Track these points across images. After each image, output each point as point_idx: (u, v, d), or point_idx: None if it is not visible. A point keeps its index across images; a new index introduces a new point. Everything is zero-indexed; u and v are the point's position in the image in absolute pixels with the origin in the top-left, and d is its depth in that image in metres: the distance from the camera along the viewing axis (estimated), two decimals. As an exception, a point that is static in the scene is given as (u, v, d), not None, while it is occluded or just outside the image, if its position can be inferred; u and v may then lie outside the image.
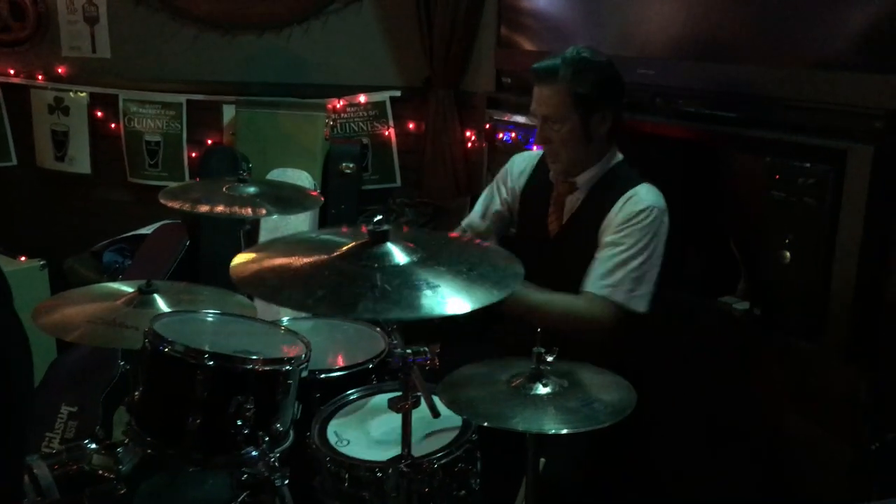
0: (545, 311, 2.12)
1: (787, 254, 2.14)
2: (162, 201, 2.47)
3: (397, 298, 1.41)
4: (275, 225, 3.57)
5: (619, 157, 2.31)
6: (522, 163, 2.52)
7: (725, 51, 2.39)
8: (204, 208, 2.44)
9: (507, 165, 2.56)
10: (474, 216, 2.60)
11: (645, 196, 2.18)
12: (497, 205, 2.55)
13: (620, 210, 2.18)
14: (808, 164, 2.05)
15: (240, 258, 1.64)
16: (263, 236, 3.58)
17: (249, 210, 2.45)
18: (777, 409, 2.25)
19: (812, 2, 2.12)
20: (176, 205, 2.45)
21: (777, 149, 2.15)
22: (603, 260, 2.16)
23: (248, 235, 2.64)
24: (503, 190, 2.54)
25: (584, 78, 2.18)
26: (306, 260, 1.53)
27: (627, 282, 2.12)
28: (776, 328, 2.22)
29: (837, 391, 2.07)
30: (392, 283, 1.43)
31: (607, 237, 2.18)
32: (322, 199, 2.74)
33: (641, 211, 2.15)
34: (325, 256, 1.53)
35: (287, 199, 2.62)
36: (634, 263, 2.13)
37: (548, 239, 2.36)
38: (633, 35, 2.70)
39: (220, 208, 2.44)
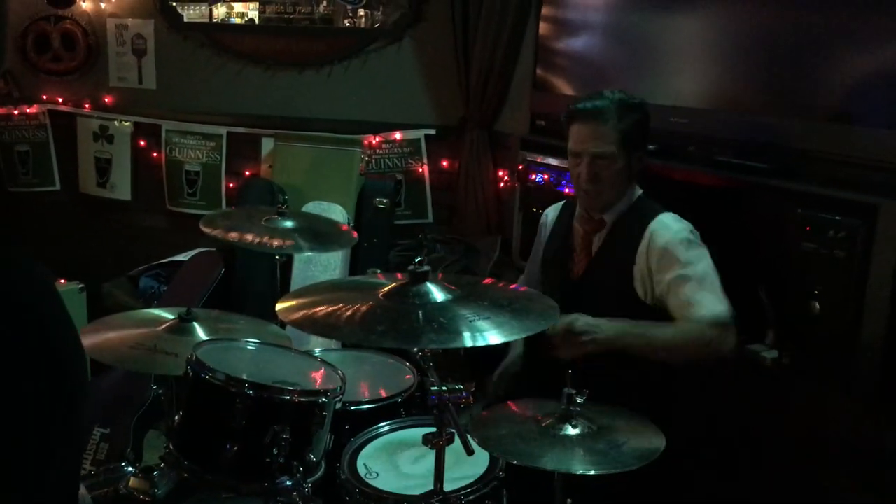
0: (681, 347, 2.10)
1: (817, 304, 2.15)
2: (202, 228, 2.54)
3: (456, 329, 1.50)
4: (308, 257, 3.64)
5: (640, 191, 2.36)
6: (552, 213, 2.58)
7: (758, 102, 2.43)
8: (242, 237, 2.50)
9: (541, 220, 2.62)
10: (529, 274, 2.66)
11: (673, 221, 2.24)
12: (537, 259, 2.61)
13: (653, 240, 2.21)
14: (838, 217, 2.08)
15: (283, 303, 1.73)
16: (297, 267, 3.65)
17: (286, 244, 2.51)
18: (804, 458, 2.25)
19: (846, 57, 2.16)
20: (216, 232, 2.52)
21: (808, 201, 2.18)
22: (679, 293, 2.16)
23: (283, 267, 2.71)
24: (536, 247, 2.61)
25: (629, 118, 2.25)
26: (354, 302, 1.62)
27: (714, 293, 2.14)
28: (805, 378, 2.23)
29: (865, 442, 2.07)
30: (446, 315, 1.54)
31: (662, 272, 2.19)
32: (356, 235, 2.79)
33: (679, 233, 2.20)
34: (370, 297, 1.61)
35: (323, 234, 2.68)
36: (709, 280, 2.15)
37: (572, 280, 2.39)
38: (667, 84, 2.76)
39: (257, 239, 2.51)
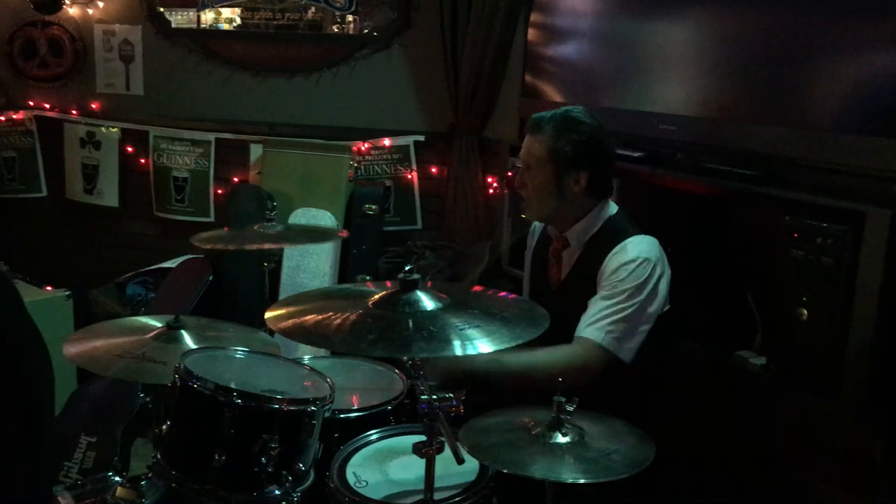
0: (531, 375, 2.11)
1: (805, 311, 2.17)
2: (196, 244, 2.54)
3: (447, 337, 1.52)
4: (297, 263, 3.63)
5: (613, 210, 2.33)
6: (538, 224, 2.59)
7: (747, 109, 2.45)
8: (234, 246, 2.51)
9: (531, 228, 2.62)
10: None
11: (635, 247, 2.20)
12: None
13: (609, 261, 2.21)
14: (826, 225, 2.09)
15: (272, 312, 1.72)
16: (286, 273, 3.65)
17: (276, 244, 2.53)
18: (792, 465, 2.26)
19: (834, 66, 2.18)
20: (210, 246, 2.53)
21: (796, 208, 2.20)
22: (593, 306, 2.18)
23: (271, 274, 2.71)
24: (528, 250, 2.61)
25: (566, 136, 2.23)
26: (343, 310, 1.62)
27: (616, 329, 2.13)
28: (792, 384, 2.24)
29: (853, 449, 2.08)
30: (436, 324, 1.55)
31: (600, 288, 2.21)
32: (345, 233, 2.81)
33: (631, 261, 2.17)
34: (360, 305, 1.61)
35: (311, 234, 2.70)
36: (623, 314, 2.13)
37: (549, 291, 2.41)
38: (656, 91, 2.77)
39: (248, 245, 2.52)
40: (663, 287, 2.20)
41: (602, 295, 2.18)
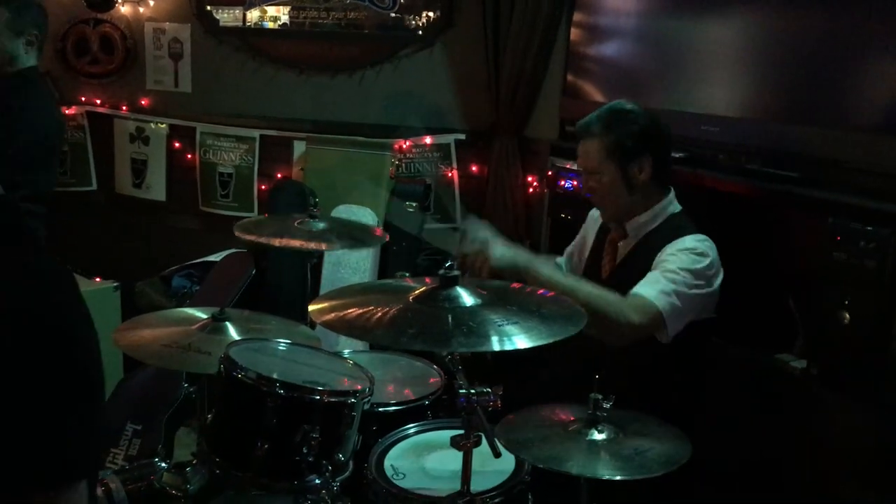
0: (575, 295, 2.03)
1: (847, 314, 2.15)
2: (237, 234, 2.59)
3: (485, 332, 1.54)
4: (338, 259, 3.68)
5: (676, 207, 2.34)
6: (597, 212, 2.60)
7: (789, 110, 2.43)
8: (276, 241, 2.55)
9: (590, 213, 2.63)
10: (568, 259, 2.70)
11: (694, 240, 2.19)
12: (572, 246, 2.66)
13: (667, 247, 2.20)
14: (869, 227, 2.07)
15: (316, 305, 1.76)
16: (326, 269, 3.70)
17: (319, 244, 2.56)
18: (832, 467, 2.24)
19: (878, 66, 2.16)
20: (251, 238, 2.58)
21: (839, 210, 2.18)
22: (652, 275, 2.15)
23: (313, 268, 2.76)
24: (580, 236, 2.64)
25: (618, 129, 2.25)
26: (385, 304, 1.66)
27: (673, 301, 2.09)
28: (833, 387, 2.22)
29: (893, 452, 2.06)
30: (475, 320, 1.57)
31: (658, 265, 2.18)
32: (386, 237, 2.84)
33: (691, 249, 2.16)
34: (400, 300, 1.65)
35: (353, 235, 2.73)
36: (681, 290, 2.10)
37: (600, 281, 2.41)
38: (697, 92, 2.76)
39: (291, 242, 2.56)
40: (717, 285, 2.18)
41: (662, 269, 2.15)
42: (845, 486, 2.19)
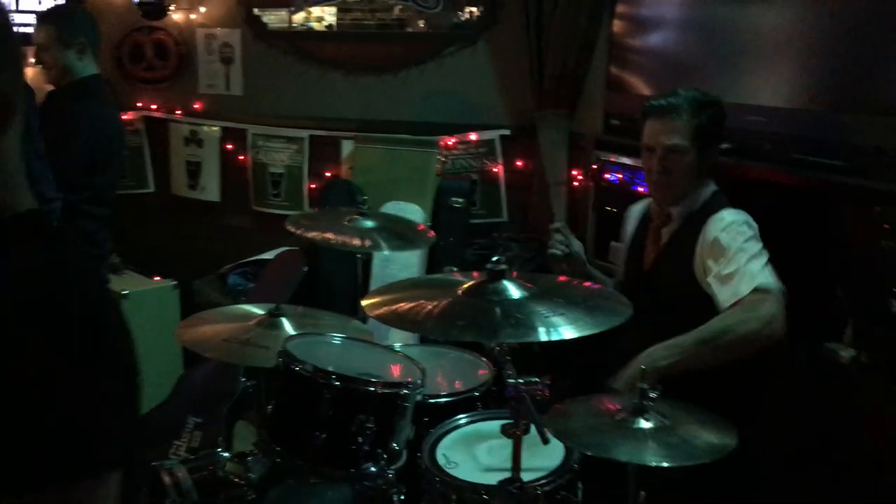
0: (724, 337, 2.12)
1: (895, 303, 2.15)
2: (288, 227, 2.68)
3: (532, 324, 1.59)
4: (387, 255, 3.75)
5: (713, 187, 2.40)
6: (637, 209, 2.65)
7: (835, 99, 2.42)
8: (326, 237, 2.63)
9: (626, 213, 2.69)
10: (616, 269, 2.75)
11: (728, 215, 2.27)
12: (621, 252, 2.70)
13: (709, 231, 2.26)
14: (918, 215, 2.07)
15: (369, 300, 1.84)
16: (376, 265, 3.78)
17: (366, 243, 2.62)
18: (883, 455, 2.24)
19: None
20: (301, 232, 2.65)
21: (886, 199, 2.17)
22: (729, 268, 2.19)
23: (363, 265, 2.84)
24: (623, 238, 2.68)
25: (703, 113, 2.30)
26: (435, 298, 1.72)
27: (765, 268, 2.17)
28: (883, 376, 2.22)
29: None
30: (522, 312, 1.62)
31: (718, 261, 2.22)
32: (433, 234, 2.89)
33: (733, 222, 2.24)
34: (450, 294, 1.71)
35: (402, 235, 2.78)
36: (757, 255, 2.18)
37: (643, 272, 2.46)
38: (743, 82, 2.76)
39: (340, 239, 2.63)
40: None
41: (732, 258, 2.19)
42: (893, 475, 2.19)
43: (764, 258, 2.19)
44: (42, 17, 3.29)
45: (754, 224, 2.26)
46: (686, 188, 2.36)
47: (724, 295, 2.16)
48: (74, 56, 3.20)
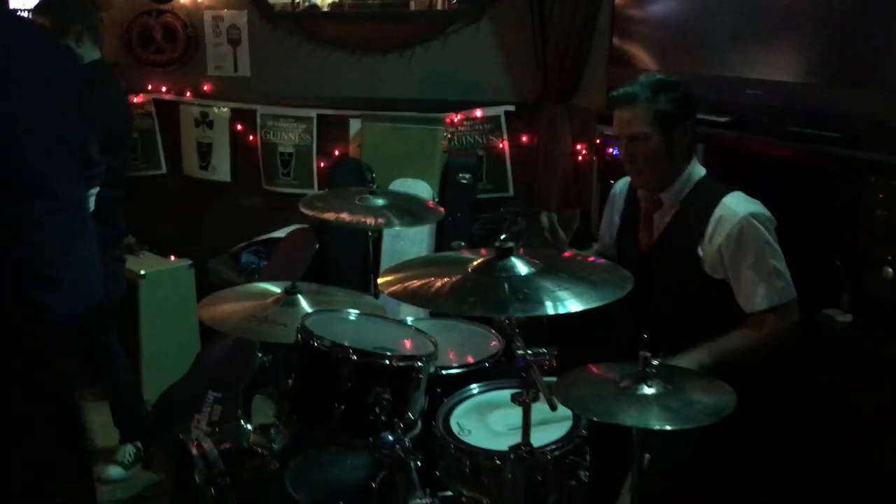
0: (745, 357, 2.23)
1: (890, 270, 2.22)
2: (302, 210, 2.76)
3: (539, 298, 1.69)
4: (397, 231, 3.82)
5: (702, 170, 2.42)
6: (621, 185, 2.69)
7: (831, 72, 2.47)
8: (339, 216, 2.71)
9: (611, 191, 2.73)
10: (601, 243, 2.80)
11: (736, 208, 2.28)
12: (602, 229, 2.76)
13: (716, 233, 2.29)
14: (911, 185, 2.13)
15: (383, 278, 1.93)
16: (386, 241, 3.86)
17: (378, 221, 2.71)
18: (880, 421, 2.31)
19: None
20: (314, 213, 2.74)
21: (881, 169, 2.24)
22: (741, 282, 2.26)
23: (374, 241, 2.92)
24: (605, 219, 2.74)
25: (664, 95, 2.32)
26: (446, 276, 1.81)
27: (772, 282, 2.23)
28: (879, 341, 2.30)
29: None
30: (529, 287, 1.72)
31: (729, 262, 2.28)
32: (442, 210, 2.97)
33: (741, 229, 2.26)
34: (459, 271, 1.80)
35: (412, 211, 2.86)
36: (766, 266, 2.24)
37: (640, 254, 2.50)
38: (742, 55, 2.81)
39: (353, 218, 2.71)
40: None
41: (737, 267, 2.26)
42: (889, 439, 2.26)
43: (782, 262, 2.24)
44: (35, 10, 3.30)
45: (757, 211, 2.28)
46: (660, 172, 2.37)
47: (747, 297, 2.24)
48: (73, 44, 3.20)
